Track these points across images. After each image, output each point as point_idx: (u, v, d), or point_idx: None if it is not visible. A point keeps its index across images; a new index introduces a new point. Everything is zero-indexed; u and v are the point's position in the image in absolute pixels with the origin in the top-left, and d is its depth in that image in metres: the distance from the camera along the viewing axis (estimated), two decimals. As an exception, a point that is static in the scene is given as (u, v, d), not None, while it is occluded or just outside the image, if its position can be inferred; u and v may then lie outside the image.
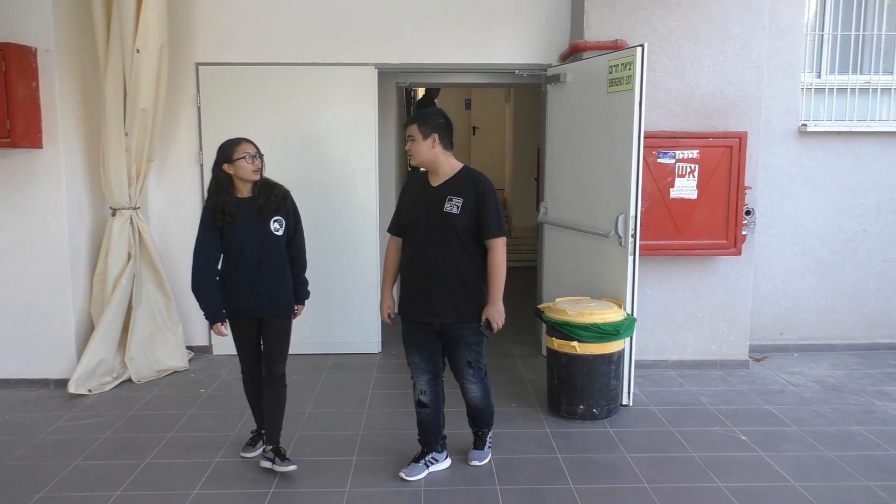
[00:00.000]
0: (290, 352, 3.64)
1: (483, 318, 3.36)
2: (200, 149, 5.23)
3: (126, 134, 4.73)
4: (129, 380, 4.83)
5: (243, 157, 3.38)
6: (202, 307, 3.46)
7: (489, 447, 3.73)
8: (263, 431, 3.71)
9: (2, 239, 4.61)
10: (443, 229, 3.31)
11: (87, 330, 4.84)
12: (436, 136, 3.33)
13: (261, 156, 3.46)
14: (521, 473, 3.55)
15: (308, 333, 5.17)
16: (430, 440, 3.60)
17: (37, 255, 4.63)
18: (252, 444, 3.80)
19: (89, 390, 4.62)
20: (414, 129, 3.35)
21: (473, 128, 13.91)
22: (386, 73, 5.49)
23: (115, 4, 4.57)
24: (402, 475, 3.49)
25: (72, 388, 4.56)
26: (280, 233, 3.50)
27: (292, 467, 3.53)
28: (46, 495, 3.31)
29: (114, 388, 4.73)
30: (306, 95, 5.23)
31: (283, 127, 5.25)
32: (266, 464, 3.58)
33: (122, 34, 4.58)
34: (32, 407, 4.42)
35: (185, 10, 5.12)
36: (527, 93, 9.63)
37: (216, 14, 5.16)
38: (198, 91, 5.19)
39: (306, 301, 3.70)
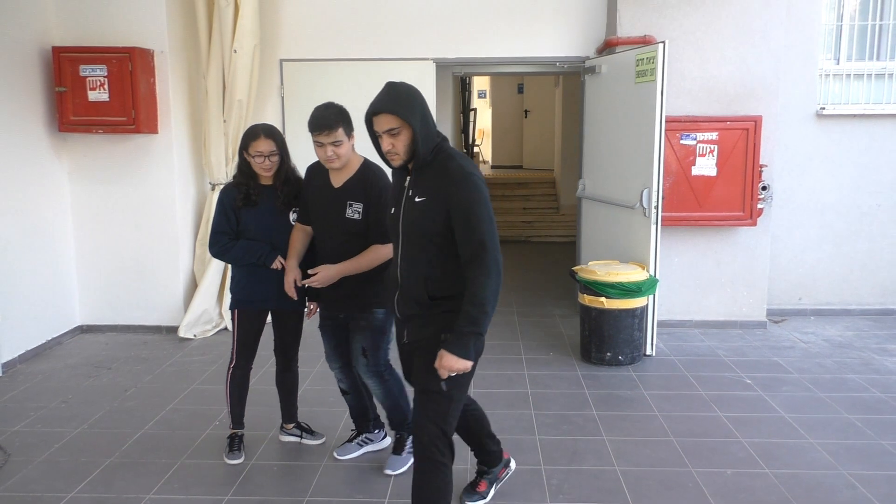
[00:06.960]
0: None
1: (312, 270, 3.19)
2: (284, 133, 6.05)
3: (224, 121, 5.59)
4: (226, 328, 5.73)
5: (254, 157, 3.30)
6: (251, 259, 3.34)
7: (409, 453, 3.39)
8: (241, 434, 3.64)
9: (125, 208, 5.55)
10: (345, 233, 3.21)
11: (192, 286, 5.76)
12: (351, 132, 3.22)
13: (281, 152, 3.34)
14: (553, 402, 4.28)
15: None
16: (360, 423, 3.62)
17: (153, 222, 5.56)
18: (235, 448, 3.58)
19: (194, 335, 5.55)
20: (341, 133, 3.15)
21: (525, 111, 14.55)
22: (443, 66, 6.19)
23: (216, 13, 5.41)
24: (335, 454, 3.56)
25: (181, 333, 5.49)
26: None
27: (322, 440, 3.73)
28: (175, 407, 4.23)
29: (213, 334, 5.64)
30: (373, 87, 5.95)
31: (354, 115, 6.00)
32: (289, 438, 3.74)
33: (222, 38, 5.43)
34: (151, 347, 5.37)
35: (272, 13, 5.91)
36: (575, 78, 10.16)
37: (297, 16, 5.93)
38: (281, 83, 6.00)
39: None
